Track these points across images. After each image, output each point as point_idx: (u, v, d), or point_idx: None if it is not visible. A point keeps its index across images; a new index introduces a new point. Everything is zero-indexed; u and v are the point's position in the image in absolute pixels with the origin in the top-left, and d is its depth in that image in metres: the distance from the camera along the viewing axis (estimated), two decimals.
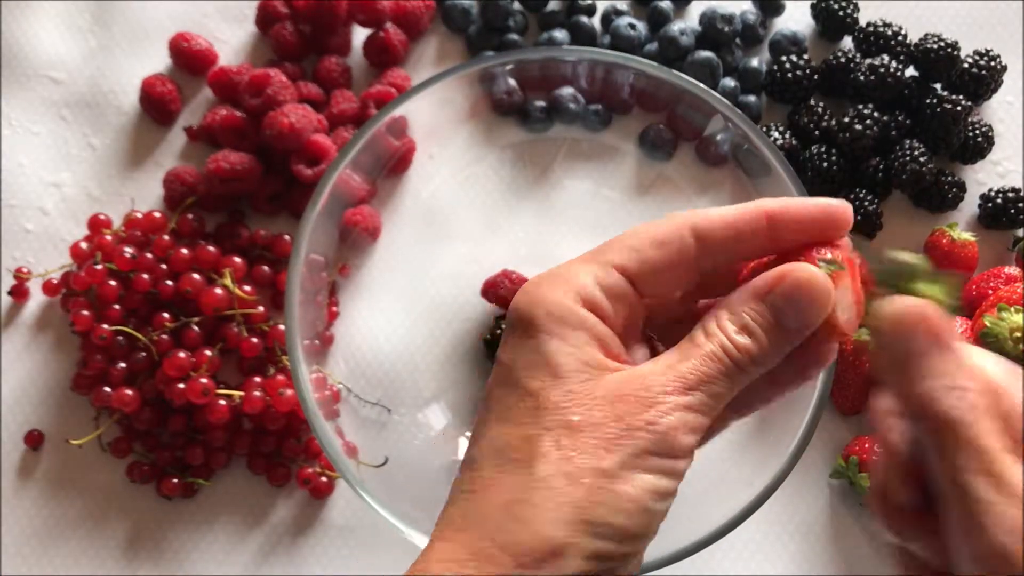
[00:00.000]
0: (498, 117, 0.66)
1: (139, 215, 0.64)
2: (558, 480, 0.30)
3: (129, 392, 0.59)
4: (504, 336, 0.34)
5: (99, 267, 0.61)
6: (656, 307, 0.38)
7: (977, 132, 0.66)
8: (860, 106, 0.64)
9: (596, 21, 0.70)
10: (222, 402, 0.59)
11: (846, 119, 0.64)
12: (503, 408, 0.33)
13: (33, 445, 0.62)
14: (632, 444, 0.31)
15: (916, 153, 0.63)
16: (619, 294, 0.34)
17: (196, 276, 0.61)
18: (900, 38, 0.67)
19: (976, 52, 0.66)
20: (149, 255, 0.62)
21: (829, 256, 0.34)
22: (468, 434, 0.61)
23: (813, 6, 0.69)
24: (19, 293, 0.64)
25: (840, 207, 0.36)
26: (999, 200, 0.65)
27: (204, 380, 0.58)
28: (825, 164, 0.64)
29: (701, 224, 0.35)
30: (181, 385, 0.59)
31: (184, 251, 0.61)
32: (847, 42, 0.70)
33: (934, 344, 0.31)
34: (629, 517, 0.30)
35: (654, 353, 0.38)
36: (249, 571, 0.60)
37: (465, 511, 0.32)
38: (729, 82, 0.67)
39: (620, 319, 0.35)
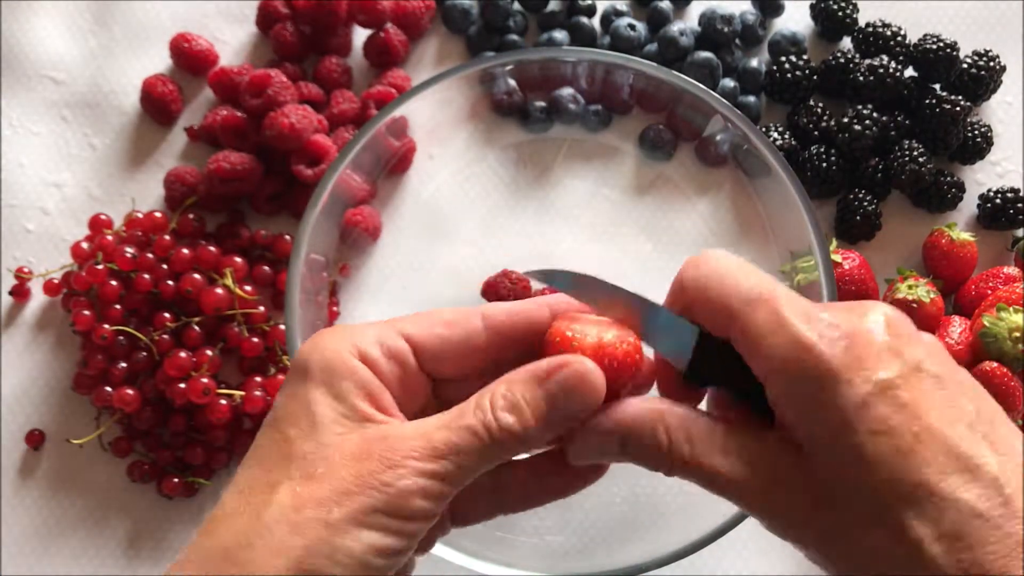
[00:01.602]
0: (498, 117, 0.66)
1: (140, 215, 0.64)
2: (282, 528, 0.31)
3: (130, 392, 0.59)
4: (284, 380, 0.36)
5: (100, 267, 0.61)
6: (459, 386, 0.38)
7: (976, 132, 0.66)
8: (859, 106, 0.64)
9: (596, 22, 0.70)
10: (223, 402, 0.59)
11: (845, 119, 0.64)
12: (259, 449, 0.34)
13: (34, 445, 0.62)
14: (361, 500, 0.31)
15: (915, 153, 0.63)
16: (398, 357, 0.35)
17: (197, 276, 0.61)
18: (899, 39, 0.67)
19: (975, 52, 0.66)
20: (150, 255, 0.62)
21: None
22: None
23: (812, 7, 0.69)
24: (20, 293, 0.64)
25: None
26: (998, 200, 0.65)
27: (205, 380, 0.58)
28: (824, 164, 0.64)
29: (488, 313, 0.37)
30: (182, 385, 0.59)
31: (185, 251, 0.62)
32: (846, 43, 0.70)
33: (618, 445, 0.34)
34: (346, 570, 0.31)
35: None
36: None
37: (197, 547, 0.32)
38: (729, 83, 0.67)
39: (395, 379, 0.35)
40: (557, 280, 0.37)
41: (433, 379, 0.38)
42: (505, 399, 0.34)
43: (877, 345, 0.31)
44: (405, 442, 0.33)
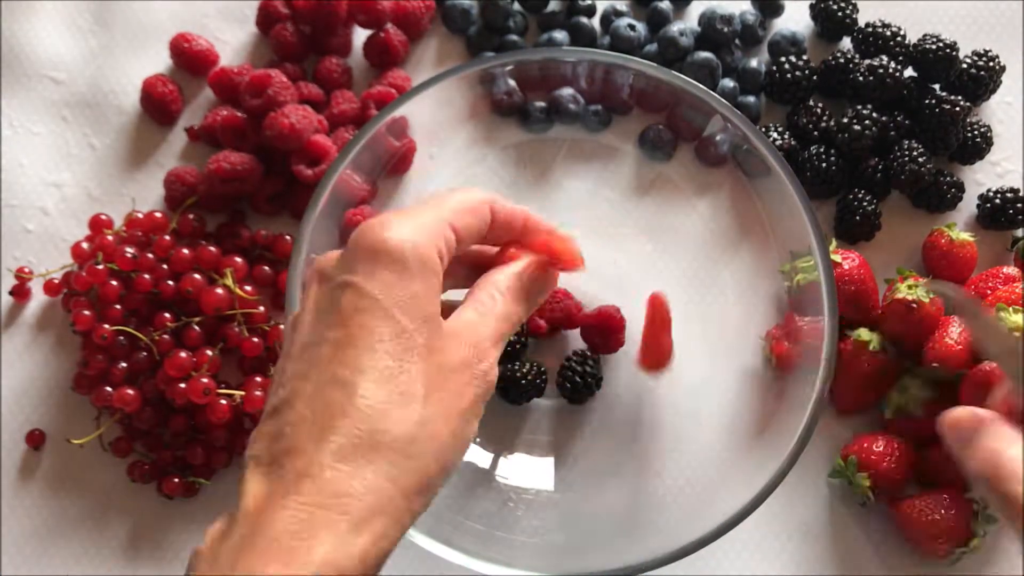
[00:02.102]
0: (498, 118, 0.66)
1: (140, 215, 0.64)
2: (437, 421, 0.35)
3: (130, 392, 0.59)
4: (363, 264, 0.36)
5: (100, 267, 0.61)
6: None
7: (976, 132, 0.66)
8: (859, 107, 0.64)
9: (596, 22, 0.70)
10: (223, 401, 0.59)
11: (845, 120, 0.64)
12: (373, 339, 0.34)
13: (35, 445, 0.62)
14: (474, 392, 0.37)
15: (915, 154, 0.63)
16: (452, 252, 0.39)
17: (197, 276, 0.61)
18: (899, 39, 0.67)
19: (975, 53, 0.67)
20: (150, 255, 0.62)
21: None
22: None
23: (812, 7, 0.69)
24: (20, 293, 0.64)
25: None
26: (997, 200, 0.65)
27: (205, 380, 0.59)
28: (824, 164, 0.65)
29: (497, 203, 0.42)
30: (182, 385, 0.59)
31: (185, 251, 0.62)
32: (846, 43, 0.70)
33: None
34: (465, 454, 0.37)
35: None
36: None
37: (353, 430, 0.33)
38: (728, 83, 0.67)
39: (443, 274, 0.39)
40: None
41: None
42: (512, 293, 0.41)
43: None
44: (475, 333, 0.38)
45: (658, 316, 0.58)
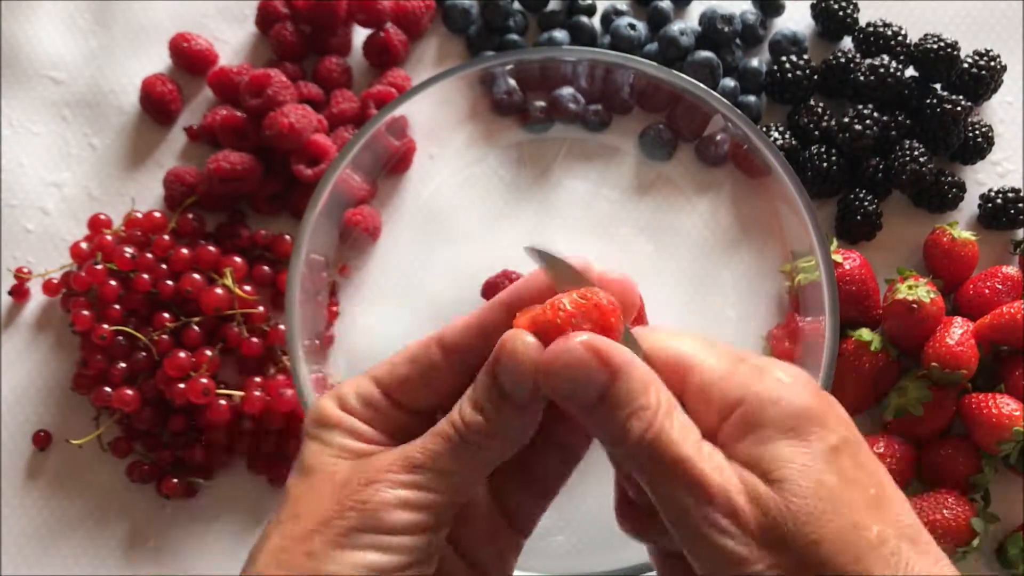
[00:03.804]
0: (498, 117, 0.66)
1: (139, 215, 0.64)
2: (270, 571, 0.32)
3: (129, 392, 0.59)
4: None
5: (99, 267, 0.61)
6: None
7: (977, 132, 0.66)
8: (860, 106, 0.64)
9: (596, 21, 0.70)
10: (222, 402, 0.59)
11: (846, 119, 0.64)
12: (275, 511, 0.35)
13: (41, 446, 0.62)
14: (340, 524, 0.32)
15: (916, 153, 0.63)
16: (373, 402, 0.36)
17: (196, 276, 0.61)
18: (900, 38, 0.67)
19: (976, 52, 0.66)
20: (149, 255, 0.62)
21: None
22: None
23: (813, 6, 0.69)
24: (19, 293, 0.64)
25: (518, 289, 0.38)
26: (999, 200, 0.65)
27: (204, 380, 0.58)
28: (825, 164, 0.64)
29: (445, 335, 0.37)
30: (181, 385, 0.59)
31: (184, 251, 0.61)
32: (847, 42, 0.70)
33: (603, 375, 0.32)
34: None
35: None
36: None
37: None
38: (729, 82, 0.67)
39: (378, 421, 0.36)
40: (540, 257, 0.38)
41: (425, 411, 0.38)
42: (469, 399, 0.34)
43: (834, 404, 0.33)
44: (384, 459, 0.34)
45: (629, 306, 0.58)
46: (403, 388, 0.36)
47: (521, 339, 0.33)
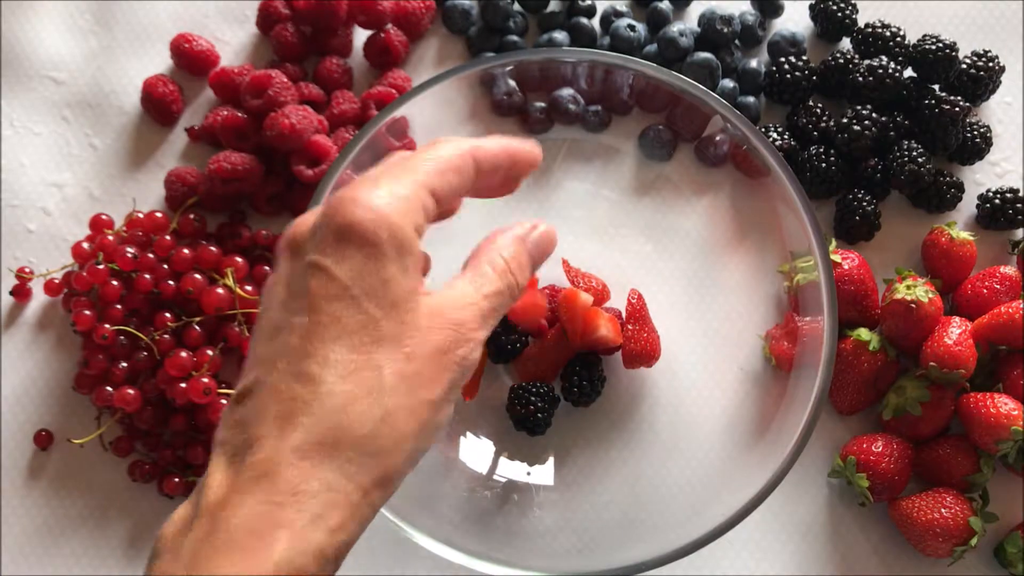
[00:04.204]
0: (498, 118, 0.66)
1: (141, 215, 0.64)
2: (402, 412, 0.33)
3: (131, 391, 0.59)
4: (333, 245, 0.34)
5: (101, 267, 0.61)
6: None
7: (975, 133, 0.66)
8: (858, 107, 0.64)
9: (596, 22, 0.70)
10: (224, 401, 0.59)
11: (844, 120, 0.64)
12: (344, 327, 0.33)
13: (42, 445, 0.62)
14: (450, 378, 0.35)
15: (914, 154, 0.63)
16: (430, 215, 0.37)
17: (198, 276, 0.61)
18: (898, 39, 0.67)
19: (974, 53, 0.67)
20: (151, 255, 0.62)
21: None
22: (468, 433, 0.61)
23: (812, 7, 0.70)
24: (21, 293, 0.64)
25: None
26: (997, 200, 0.65)
27: (206, 379, 0.59)
28: (824, 165, 0.65)
29: (481, 152, 0.39)
30: (183, 384, 0.59)
31: (186, 251, 0.62)
32: (846, 43, 0.70)
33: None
34: (435, 441, 0.36)
35: None
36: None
37: (319, 424, 0.33)
38: (728, 83, 0.67)
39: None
40: None
41: None
42: (516, 261, 0.39)
43: None
44: (461, 312, 0.36)
45: (634, 311, 0.59)
46: (448, 199, 0.38)
47: (551, 228, 0.43)
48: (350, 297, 0.33)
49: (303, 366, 0.33)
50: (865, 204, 0.64)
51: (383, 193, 0.35)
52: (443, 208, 0.38)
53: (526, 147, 0.42)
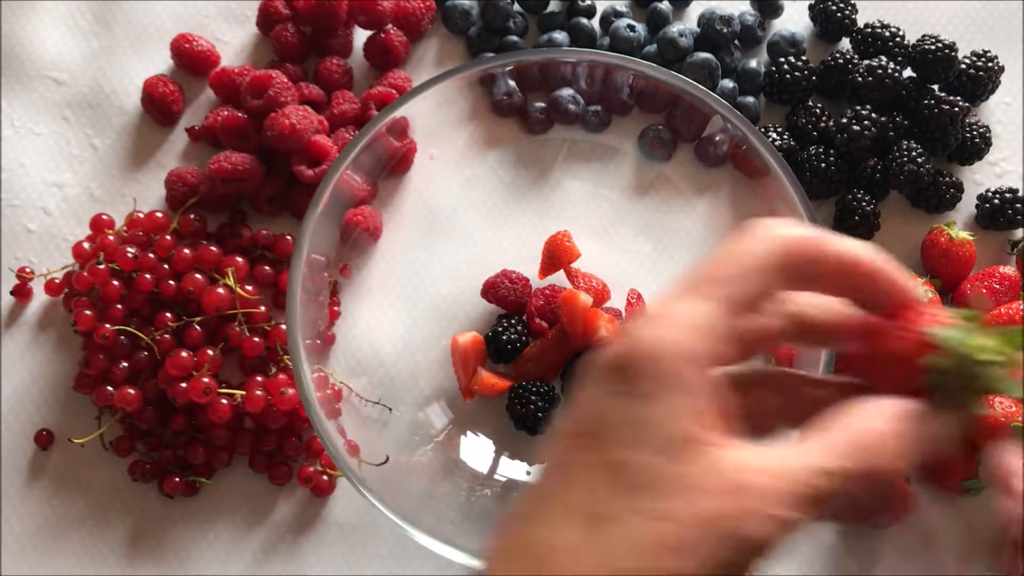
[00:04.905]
0: (498, 118, 0.66)
1: (141, 215, 0.64)
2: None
3: (131, 391, 0.60)
4: (596, 383, 0.29)
5: (101, 267, 0.61)
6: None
7: (975, 133, 0.66)
8: (858, 107, 0.65)
9: (596, 23, 0.70)
10: (224, 401, 0.59)
11: (844, 120, 0.64)
12: (581, 471, 0.28)
13: (43, 445, 0.62)
14: (713, 553, 0.27)
15: (914, 154, 0.63)
16: (734, 339, 0.29)
17: (198, 276, 0.61)
18: (898, 39, 0.67)
19: (974, 53, 0.67)
20: (151, 255, 0.62)
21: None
22: (469, 433, 0.61)
23: (811, 7, 0.70)
24: (22, 293, 0.64)
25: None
26: (996, 200, 0.65)
27: (206, 379, 0.59)
28: (823, 165, 0.65)
29: (810, 248, 0.30)
30: (183, 384, 0.59)
31: (186, 251, 0.62)
32: (845, 43, 0.70)
33: None
34: None
35: None
36: (251, 569, 0.60)
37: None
38: (728, 83, 0.67)
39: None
40: None
41: None
42: (899, 442, 0.28)
43: None
44: (764, 479, 0.27)
45: (634, 312, 0.59)
46: (751, 311, 0.30)
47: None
48: (601, 434, 0.29)
49: (538, 511, 0.29)
50: (864, 204, 0.64)
51: (654, 319, 0.29)
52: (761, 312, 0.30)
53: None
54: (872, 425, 0.29)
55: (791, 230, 0.31)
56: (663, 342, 0.28)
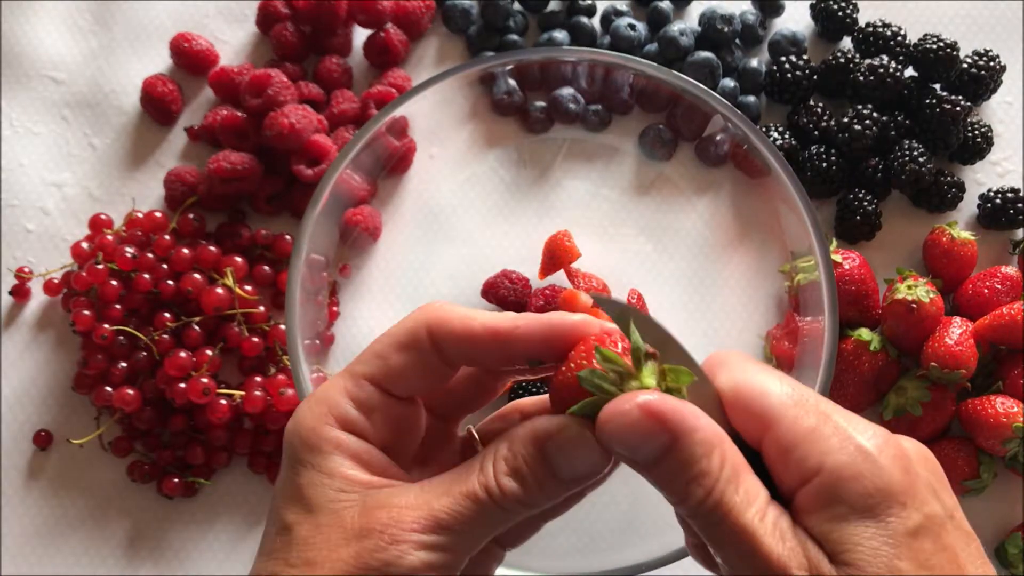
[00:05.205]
0: (498, 117, 0.66)
1: (140, 215, 0.64)
2: None
3: (130, 391, 0.59)
4: (281, 463, 0.34)
5: (100, 267, 0.61)
6: (460, 391, 0.37)
7: (976, 132, 0.66)
8: (859, 106, 0.64)
9: (596, 22, 0.70)
10: (223, 401, 0.59)
11: (845, 119, 0.64)
12: (265, 537, 0.33)
13: (42, 445, 0.62)
14: None
15: (915, 153, 0.63)
16: (373, 405, 0.33)
17: (197, 276, 0.61)
18: (899, 38, 0.67)
19: (975, 52, 0.66)
20: (150, 255, 0.62)
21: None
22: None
23: (812, 6, 0.69)
24: (20, 293, 0.64)
25: (568, 325, 0.33)
26: (998, 200, 0.65)
27: (205, 379, 0.59)
28: (824, 164, 0.65)
29: (436, 326, 0.33)
30: (182, 384, 0.59)
31: (185, 251, 0.62)
32: (846, 42, 0.70)
33: (666, 441, 0.30)
34: None
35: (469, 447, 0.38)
36: (249, 570, 0.60)
37: None
38: (728, 82, 0.67)
39: (385, 429, 0.34)
40: (608, 307, 0.33)
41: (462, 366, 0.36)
42: (507, 462, 0.31)
43: (923, 477, 0.30)
44: (406, 512, 0.31)
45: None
46: (399, 381, 0.34)
47: (581, 433, 0.30)
48: (274, 508, 0.33)
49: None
50: (866, 204, 0.64)
51: (306, 401, 0.34)
52: (400, 386, 0.34)
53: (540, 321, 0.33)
54: (504, 447, 0.32)
55: (436, 313, 0.34)
56: (299, 416, 0.33)
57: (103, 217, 0.64)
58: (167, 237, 0.62)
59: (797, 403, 0.31)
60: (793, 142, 0.65)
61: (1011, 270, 0.62)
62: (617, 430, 0.30)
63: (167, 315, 0.61)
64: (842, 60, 0.66)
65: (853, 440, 0.30)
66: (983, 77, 0.66)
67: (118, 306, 0.61)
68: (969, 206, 0.67)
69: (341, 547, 0.31)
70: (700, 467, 0.30)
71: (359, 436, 0.33)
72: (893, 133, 0.65)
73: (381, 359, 0.34)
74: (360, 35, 0.69)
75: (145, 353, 0.61)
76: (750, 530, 0.29)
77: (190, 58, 0.67)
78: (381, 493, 0.32)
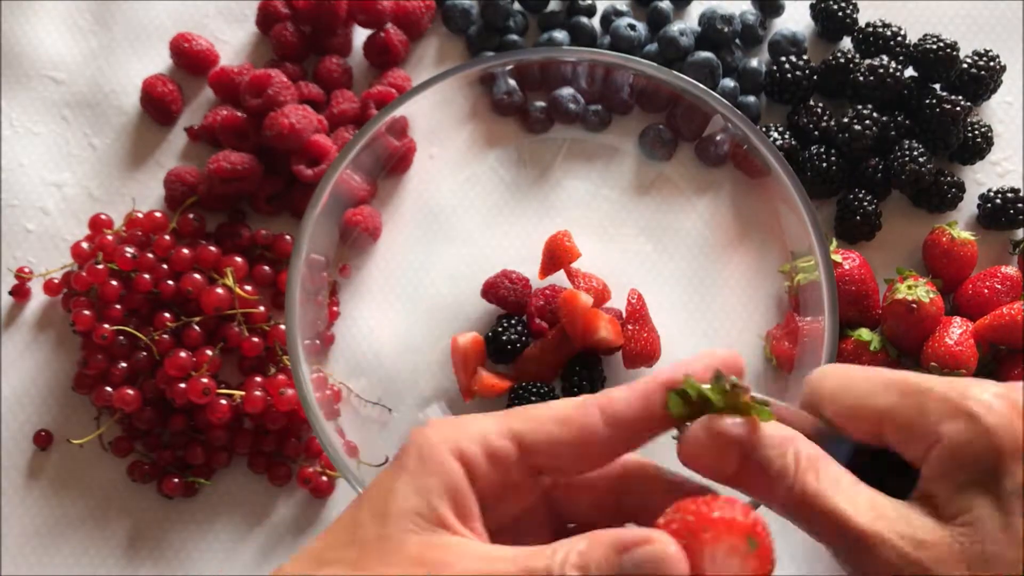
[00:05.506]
0: (498, 118, 0.66)
1: (140, 215, 0.64)
2: None
3: (130, 391, 0.59)
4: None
5: (100, 267, 0.61)
6: (580, 493, 0.37)
7: (976, 132, 0.66)
8: (859, 106, 0.64)
9: (596, 22, 0.70)
10: (223, 401, 0.59)
11: (845, 119, 0.64)
12: (338, 521, 0.33)
13: (42, 445, 0.62)
14: None
15: (915, 153, 0.63)
16: (501, 460, 0.33)
17: (197, 276, 0.61)
18: (899, 38, 0.67)
19: (975, 52, 0.66)
20: (150, 255, 0.62)
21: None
22: None
23: (812, 7, 0.69)
24: (20, 293, 0.64)
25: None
26: (998, 200, 0.65)
27: (205, 380, 0.59)
28: (824, 164, 0.65)
29: (606, 403, 0.33)
30: (182, 384, 0.59)
31: (185, 251, 0.62)
32: (846, 43, 0.70)
33: (734, 458, 0.32)
34: None
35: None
36: (250, 570, 0.60)
37: None
38: (728, 83, 0.67)
39: (493, 482, 0.33)
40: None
41: (553, 478, 0.36)
42: (580, 556, 0.30)
43: None
44: (463, 562, 0.30)
45: (634, 312, 0.59)
46: (547, 450, 0.33)
47: (675, 558, 0.29)
48: (359, 498, 0.33)
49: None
50: (866, 204, 0.64)
51: (448, 420, 0.34)
52: (538, 458, 0.33)
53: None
54: (579, 547, 0.30)
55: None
56: (429, 431, 0.33)
57: (103, 217, 0.64)
58: (167, 237, 0.62)
59: (903, 392, 0.33)
60: (793, 142, 0.65)
61: (1011, 270, 0.62)
62: (697, 451, 0.33)
63: (167, 315, 0.61)
64: (842, 60, 0.66)
65: (961, 406, 0.31)
66: (983, 77, 0.66)
67: (118, 306, 0.61)
68: (969, 206, 0.67)
69: (393, 566, 0.30)
70: (776, 466, 0.32)
71: (471, 477, 0.33)
72: (893, 133, 0.65)
73: (537, 423, 0.33)
74: (360, 35, 0.69)
75: (145, 353, 0.61)
76: (839, 511, 0.31)
77: (190, 58, 0.67)
78: (449, 537, 0.31)
